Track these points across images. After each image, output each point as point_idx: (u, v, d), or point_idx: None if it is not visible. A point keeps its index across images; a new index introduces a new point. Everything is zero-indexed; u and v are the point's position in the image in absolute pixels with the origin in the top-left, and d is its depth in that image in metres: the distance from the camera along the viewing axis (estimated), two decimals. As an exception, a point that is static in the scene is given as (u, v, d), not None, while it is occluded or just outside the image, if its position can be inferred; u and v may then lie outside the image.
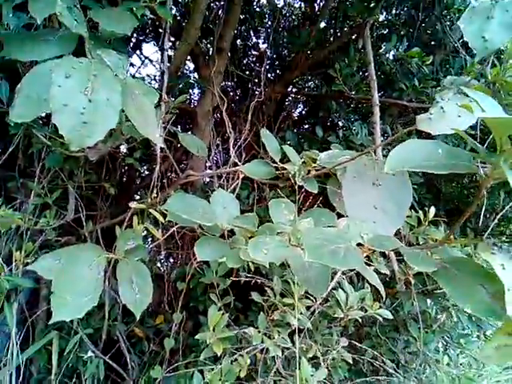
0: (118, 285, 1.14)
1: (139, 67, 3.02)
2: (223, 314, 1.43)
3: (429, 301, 1.96)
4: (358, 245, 0.76)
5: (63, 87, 0.86)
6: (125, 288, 1.13)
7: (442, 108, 0.78)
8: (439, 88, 1.73)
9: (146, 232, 1.83)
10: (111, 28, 1.12)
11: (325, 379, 1.57)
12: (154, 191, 1.55)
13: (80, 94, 0.85)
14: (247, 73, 3.07)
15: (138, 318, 1.11)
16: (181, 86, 2.57)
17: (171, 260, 2.59)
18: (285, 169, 1.31)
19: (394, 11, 2.76)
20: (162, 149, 1.56)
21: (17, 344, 1.82)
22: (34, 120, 1.44)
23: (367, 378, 2.11)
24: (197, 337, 1.42)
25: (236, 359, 1.46)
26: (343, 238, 0.73)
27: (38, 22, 1.03)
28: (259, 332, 1.43)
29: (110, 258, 1.20)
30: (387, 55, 2.38)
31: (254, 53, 3.22)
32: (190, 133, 2.43)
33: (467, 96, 0.74)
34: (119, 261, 1.20)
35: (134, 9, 1.27)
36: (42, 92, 0.95)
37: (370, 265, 0.85)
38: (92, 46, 1.03)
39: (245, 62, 3.23)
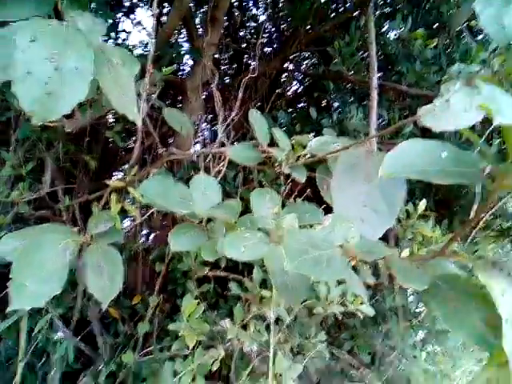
0: (85, 271, 1.06)
1: (129, 33, 2.86)
2: (199, 303, 1.36)
3: (411, 298, 1.92)
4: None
5: (27, 52, 0.74)
6: (92, 275, 1.05)
7: (447, 101, 0.69)
8: (445, 77, 1.63)
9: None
10: (87, -13, 0.99)
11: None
12: (134, 169, 1.46)
13: (45, 61, 0.74)
14: (244, 45, 2.93)
15: (104, 309, 1.04)
16: (172, 56, 2.43)
17: (151, 239, 2.51)
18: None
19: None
20: (144, 123, 1.46)
21: (-17, 321, 1.75)
22: (6, 84, 1.33)
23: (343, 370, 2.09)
24: (169, 327, 1.35)
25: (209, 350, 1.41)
26: (327, 241, 0.65)
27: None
28: (235, 324, 1.37)
29: (78, 241, 1.11)
30: (388, 35, 2.26)
31: (252, 25, 3.06)
32: (180, 106, 2.31)
33: (477, 88, 0.65)
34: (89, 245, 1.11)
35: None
36: (8, 57, 0.84)
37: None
38: (66, 7, 0.91)
39: (242, 34, 3.09)
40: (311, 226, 0.93)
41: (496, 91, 0.51)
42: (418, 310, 2.12)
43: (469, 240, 1.99)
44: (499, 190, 0.53)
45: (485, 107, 0.44)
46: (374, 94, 1.52)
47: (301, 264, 0.56)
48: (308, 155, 1.21)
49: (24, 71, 0.74)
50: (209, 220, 1.08)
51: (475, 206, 0.91)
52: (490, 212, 2.31)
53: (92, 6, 1.51)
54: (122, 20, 2.74)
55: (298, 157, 1.20)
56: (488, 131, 0.62)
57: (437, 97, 0.74)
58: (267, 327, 1.40)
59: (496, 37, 0.66)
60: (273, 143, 1.27)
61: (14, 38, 0.76)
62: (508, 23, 0.66)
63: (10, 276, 0.94)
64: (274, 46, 2.92)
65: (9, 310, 0.93)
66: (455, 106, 0.69)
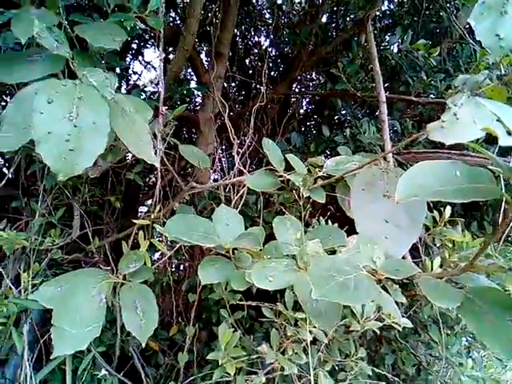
0: (121, 311, 1.09)
1: (140, 74, 2.98)
2: (235, 331, 1.37)
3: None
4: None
5: (46, 113, 0.81)
6: (128, 314, 1.09)
7: (455, 115, 0.71)
8: (450, 91, 1.64)
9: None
10: (99, 44, 1.06)
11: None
12: (157, 206, 1.51)
13: (64, 120, 0.80)
14: (250, 72, 3.00)
15: (143, 345, 1.07)
16: (183, 92, 2.52)
17: (182, 269, 2.55)
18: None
19: (396, 0, 2.66)
20: (162, 162, 1.51)
21: (30, 366, 1.80)
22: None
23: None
24: (208, 357, 1.37)
25: (250, 376, 1.41)
26: (353, 264, 0.66)
27: (22, 42, 0.98)
28: (272, 348, 1.37)
29: (112, 282, 1.15)
30: (392, 48, 2.29)
31: (255, 51, 3.14)
32: (195, 139, 2.38)
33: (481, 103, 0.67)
34: (122, 284, 1.15)
35: (123, 21, 1.21)
36: (27, 118, 0.90)
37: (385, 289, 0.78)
38: (79, 65, 0.98)
39: (247, 62, 3.17)
40: (335, 250, 0.94)
41: (500, 106, 0.52)
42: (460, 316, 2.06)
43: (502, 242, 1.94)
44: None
45: (488, 129, 0.45)
46: (384, 109, 1.54)
47: (327, 291, 0.57)
48: (325, 175, 1.23)
49: (45, 131, 0.80)
50: (235, 249, 1.11)
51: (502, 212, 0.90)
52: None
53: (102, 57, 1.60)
54: (130, 62, 2.87)
55: (316, 179, 1.22)
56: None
57: (444, 111, 0.76)
58: (305, 349, 1.40)
59: (492, 48, 0.68)
60: (289, 167, 1.30)
61: (32, 101, 0.82)
62: (504, 34, 0.68)
63: (52, 322, 0.98)
64: (280, 70, 2.99)
65: (53, 356, 0.97)
66: (463, 120, 0.70)
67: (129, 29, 1.21)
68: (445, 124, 0.72)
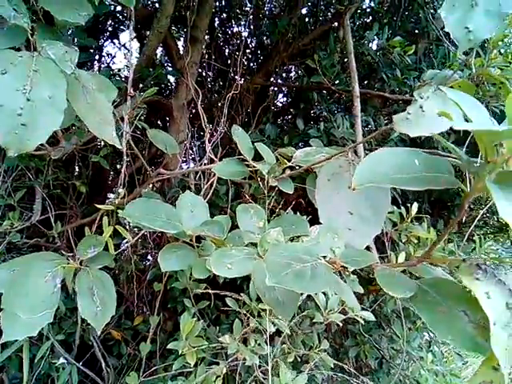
0: (77, 297, 1.05)
1: (114, 56, 2.89)
2: (197, 320, 1.35)
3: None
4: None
5: (-2, 85, 0.75)
6: (84, 300, 1.04)
7: (421, 107, 0.70)
8: (419, 84, 1.66)
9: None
10: (63, 17, 1.00)
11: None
12: (122, 191, 1.46)
13: (17, 93, 0.75)
14: (229, 62, 2.96)
15: (99, 333, 1.03)
16: (155, 77, 2.45)
17: (150, 258, 2.50)
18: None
19: (377, -2, 2.67)
20: (130, 146, 1.46)
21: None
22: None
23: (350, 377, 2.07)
24: (169, 346, 1.34)
25: (211, 366, 1.39)
26: (311, 253, 0.65)
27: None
28: (235, 339, 1.36)
29: (72, 268, 1.10)
30: (370, 45, 2.30)
31: (235, 41, 3.10)
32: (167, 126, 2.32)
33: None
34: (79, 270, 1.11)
35: (91, -6, 1.15)
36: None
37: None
38: (39, 38, 0.92)
39: (226, 51, 3.12)
40: (298, 238, 0.93)
41: (462, 96, 0.52)
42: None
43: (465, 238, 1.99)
44: (474, 193, 0.53)
45: (443, 113, 0.44)
46: (357, 103, 1.54)
47: (283, 279, 0.56)
48: (294, 166, 1.22)
49: (-4, 104, 0.74)
50: (200, 237, 1.08)
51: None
52: (486, 209, 2.32)
53: (71, 34, 1.53)
54: (106, 45, 2.78)
55: (284, 169, 1.21)
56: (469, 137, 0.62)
57: (411, 104, 0.75)
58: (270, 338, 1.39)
59: (461, 41, 0.67)
60: (260, 157, 1.28)
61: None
62: (473, 27, 0.68)
63: (1, 306, 0.93)
64: (259, 61, 2.96)
65: (2, 341, 0.92)
66: (429, 112, 0.70)
67: (97, 3, 1.15)
68: (410, 116, 0.71)
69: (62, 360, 1.86)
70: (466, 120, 0.46)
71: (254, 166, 1.19)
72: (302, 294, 1.22)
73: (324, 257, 0.67)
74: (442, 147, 1.72)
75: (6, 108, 0.74)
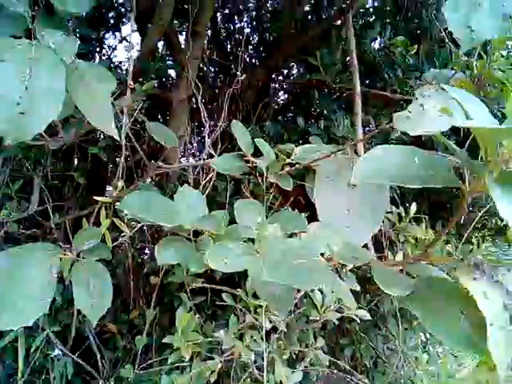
0: (73, 288, 1.05)
1: (115, 48, 2.88)
2: (193, 314, 1.35)
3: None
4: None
5: (-4, 73, 0.75)
6: (79, 292, 1.04)
7: (421, 105, 0.70)
8: (419, 82, 1.65)
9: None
10: (62, 5, 1.00)
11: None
12: (119, 184, 1.46)
13: (16, 81, 0.75)
14: (231, 58, 2.95)
15: (94, 325, 1.03)
16: (156, 70, 2.44)
17: (147, 252, 2.49)
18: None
19: (380, -3, 2.66)
20: (129, 139, 1.46)
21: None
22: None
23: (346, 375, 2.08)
24: (164, 340, 1.34)
25: (206, 361, 1.39)
26: (309, 250, 0.65)
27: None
28: (231, 334, 1.36)
29: (68, 259, 1.10)
30: (372, 44, 2.29)
31: (238, 37, 3.10)
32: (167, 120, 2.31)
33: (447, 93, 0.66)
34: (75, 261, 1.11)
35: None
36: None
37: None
38: (39, 27, 0.91)
39: (228, 47, 3.11)
40: (295, 235, 0.93)
41: (463, 94, 0.51)
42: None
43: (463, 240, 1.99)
44: (473, 193, 0.53)
45: (445, 110, 0.44)
46: (358, 101, 1.54)
47: (279, 273, 0.56)
48: (294, 163, 1.22)
49: (-7, 92, 0.74)
50: (197, 232, 1.08)
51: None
52: (484, 210, 2.32)
53: (72, 24, 1.52)
54: (108, 37, 2.77)
55: (283, 165, 1.21)
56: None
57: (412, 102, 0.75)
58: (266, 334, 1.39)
59: (464, 40, 0.67)
60: (260, 153, 1.27)
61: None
62: (476, 28, 0.67)
63: (-3, 295, 0.93)
64: (261, 57, 2.95)
65: (-3, 330, 0.92)
66: (429, 111, 0.69)
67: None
68: (411, 114, 0.71)
69: (57, 351, 1.86)
70: (467, 117, 0.46)
71: (253, 162, 1.19)
72: (298, 290, 1.22)
73: (322, 254, 0.67)
74: (442, 149, 1.72)
75: (4, 96, 0.74)
